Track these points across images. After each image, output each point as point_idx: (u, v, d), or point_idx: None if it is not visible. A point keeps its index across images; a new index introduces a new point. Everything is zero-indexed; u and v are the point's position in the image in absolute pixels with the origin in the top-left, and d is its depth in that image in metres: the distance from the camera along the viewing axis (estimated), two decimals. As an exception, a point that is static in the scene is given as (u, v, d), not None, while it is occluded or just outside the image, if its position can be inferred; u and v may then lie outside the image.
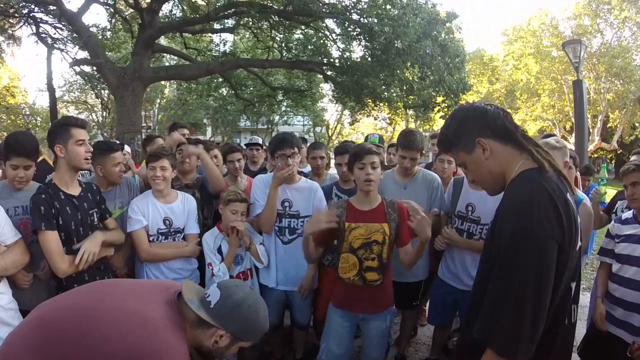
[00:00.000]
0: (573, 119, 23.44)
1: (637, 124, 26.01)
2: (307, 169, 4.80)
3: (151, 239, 3.27)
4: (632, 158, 3.81)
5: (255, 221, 3.50)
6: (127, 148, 4.90)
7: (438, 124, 25.40)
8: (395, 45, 11.56)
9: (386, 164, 5.15)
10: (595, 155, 29.47)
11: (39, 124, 30.08)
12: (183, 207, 3.41)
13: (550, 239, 1.45)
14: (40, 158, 4.29)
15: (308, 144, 5.05)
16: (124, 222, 3.28)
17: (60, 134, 2.69)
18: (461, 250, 3.39)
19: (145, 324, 1.65)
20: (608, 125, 26.74)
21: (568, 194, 1.61)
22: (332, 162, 4.44)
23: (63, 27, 13.66)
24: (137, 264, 3.39)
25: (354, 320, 2.99)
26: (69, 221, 2.69)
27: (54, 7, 12.07)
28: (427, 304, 4.25)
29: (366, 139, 5.24)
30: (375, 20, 11.53)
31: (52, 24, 13.67)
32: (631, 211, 3.04)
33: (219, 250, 3.35)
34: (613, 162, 35.50)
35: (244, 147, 5.19)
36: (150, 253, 3.23)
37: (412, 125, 26.82)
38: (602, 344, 2.92)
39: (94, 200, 2.91)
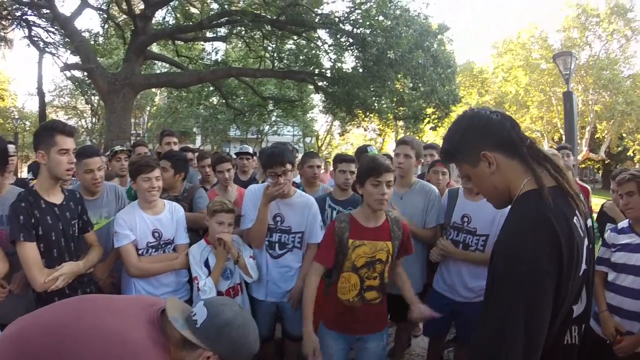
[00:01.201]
0: (561, 130, 23.78)
1: (624, 135, 26.31)
2: (297, 179, 4.73)
3: (140, 252, 3.10)
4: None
5: (245, 234, 3.40)
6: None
7: (428, 135, 25.61)
8: (388, 55, 11.60)
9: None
10: (583, 166, 29.76)
11: (28, 128, 29.72)
12: (171, 217, 3.26)
13: (545, 276, 1.33)
14: (31, 161, 4.17)
15: (300, 154, 4.96)
16: (110, 233, 3.13)
17: (45, 139, 2.55)
18: (457, 261, 3.32)
19: (124, 344, 1.54)
20: (596, 136, 26.99)
21: (575, 218, 1.44)
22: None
23: (55, 31, 13.66)
24: (123, 276, 3.24)
25: (349, 342, 2.89)
26: (50, 232, 2.55)
27: (47, 11, 12.05)
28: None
29: (365, 150, 4.81)
30: (368, 31, 11.58)
31: (45, 27, 13.66)
32: (627, 220, 3.03)
33: (206, 264, 3.19)
34: (600, 172, 35.94)
35: (234, 156, 5.12)
36: (139, 269, 3.05)
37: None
38: (598, 350, 2.84)
39: (76, 209, 2.79)
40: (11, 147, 4.69)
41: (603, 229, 3.61)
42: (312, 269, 2.84)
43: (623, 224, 3.06)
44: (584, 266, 1.46)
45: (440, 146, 1.83)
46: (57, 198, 2.68)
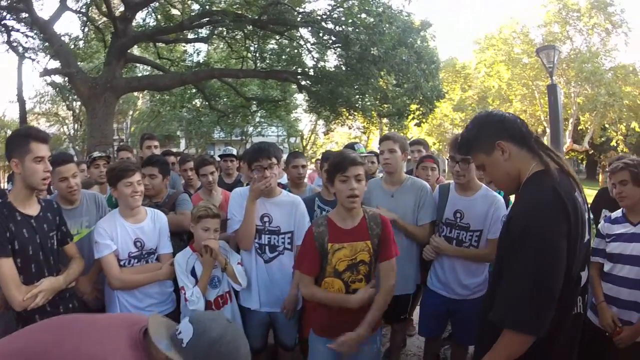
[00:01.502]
0: (545, 123, 23.99)
1: (607, 126, 26.57)
2: (284, 179, 4.63)
3: (122, 263, 2.95)
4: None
5: (233, 238, 3.28)
6: None
7: (412, 131, 25.66)
8: (372, 52, 11.54)
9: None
10: (567, 157, 30.03)
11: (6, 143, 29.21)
12: (154, 225, 3.10)
13: (558, 232, 1.65)
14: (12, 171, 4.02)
15: (285, 154, 4.83)
16: (91, 243, 2.96)
17: (18, 146, 2.40)
18: (451, 258, 3.24)
19: None
20: (579, 128, 27.24)
21: (576, 192, 1.78)
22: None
23: (35, 36, 13.33)
24: (106, 289, 3.07)
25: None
26: (27, 245, 2.40)
27: (26, 15, 11.77)
28: (415, 314, 4.13)
29: (352, 148, 4.54)
30: (351, 29, 11.50)
31: (24, 32, 13.35)
32: (620, 210, 3.01)
33: (193, 272, 3.05)
34: (584, 162, 36.33)
35: (218, 158, 4.99)
36: (122, 280, 2.89)
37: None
38: (596, 341, 2.86)
39: (54, 220, 2.64)
40: None
41: (598, 218, 3.57)
42: (304, 281, 2.67)
43: (617, 213, 3.04)
44: (587, 236, 1.80)
45: (459, 139, 2.14)
46: (33, 209, 2.54)
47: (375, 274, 2.67)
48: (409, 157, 3.90)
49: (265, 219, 3.17)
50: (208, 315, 1.74)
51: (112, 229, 2.94)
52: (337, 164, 2.54)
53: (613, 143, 25.93)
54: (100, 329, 1.60)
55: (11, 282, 2.29)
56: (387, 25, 11.40)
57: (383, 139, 3.65)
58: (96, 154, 4.47)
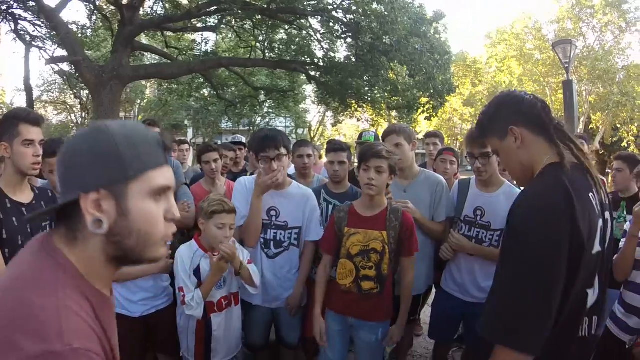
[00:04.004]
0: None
1: (619, 125, 26.27)
2: (291, 169, 4.46)
3: None
4: (615, 164, 3.71)
5: (238, 233, 3.02)
6: None
7: (422, 125, 25.44)
8: (384, 41, 11.35)
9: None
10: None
11: (17, 125, 29.30)
12: None
13: (560, 235, 1.42)
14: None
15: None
16: None
17: (7, 129, 2.24)
18: (469, 259, 3.02)
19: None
20: (590, 127, 26.90)
21: (592, 192, 1.57)
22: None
23: (42, 24, 13.30)
24: None
25: (345, 325, 2.81)
26: (16, 234, 2.22)
27: (33, 3, 11.73)
28: (423, 313, 3.97)
29: (360, 136, 4.71)
30: (363, 17, 11.30)
31: (31, 21, 13.32)
32: None
33: (197, 272, 2.74)
34: (594, 162, 35.88)
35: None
36: None
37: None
38: (615, 354, 2.73)
39: None
40: None
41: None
42: (323, 260, 2.88)
43: None
44: (597, 247, 1.53)
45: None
46: (25, 197, 2.37)
47: (390, 266, 2.71)
48: (422, 150, 3.71)
49: (272, 212, 2.97)
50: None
51: None
52: (362, 154, 2.69)
53: (624, 144, 25.61)
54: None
55: None
56: (399, 14, 11.20)
57: (386, 134, 3.37)
58: None
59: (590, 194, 1.55)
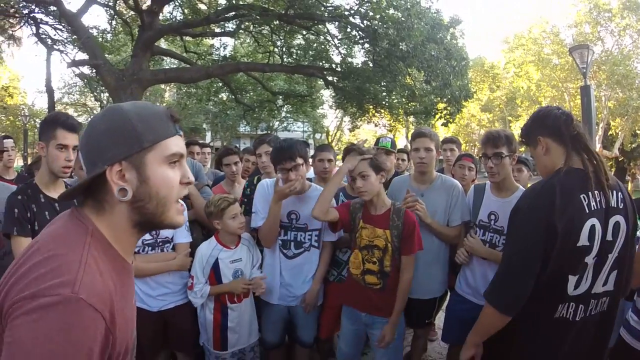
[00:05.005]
0: (576, 127, 23.36)
1: (638, 132, 25.87)
2: (311, 174, 4.52)
3: (136, 250, 2.87)
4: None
5: (257, 233, 3.19)
6: None
7: (439, 131, 25.33)
8: (400, 47, 11.39)
9: (395, 169, 4.90)
10: (596, 163, 29.32)
11: (38, 126, 29.69)
12: None
13: (538, 227, 1.83)
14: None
15: (311, 151, 4.72)
16: None
17: (46, 130, 2.41)
18: (483, 262, 3.04)
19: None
20: (609, 133, 26.53)
21: (583, 195, 1.85)
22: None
23: (63, 28, 13.58)
24: None
25: (358, 319, 2.97)
26: None
27: (54, 8, 11.96)
28: (437, 319, 3.99)
29: (377, 142, 4.74)
30: (379, 23, 11.36)
31: (52, 25, 13.61)
32: None
33: (216, 266, 3.00)
34: (613, 169, 35.41)
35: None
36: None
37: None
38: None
39: None
40: (8, 142, 4.53)
41: None
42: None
43: None
44: (585, 242, 1.83)
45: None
46: (58, 193, 2.49)
47: (393, 264, 2.85)
48: (440, 156, 3.76)
49: (292, 216, 3.09)
50: None
51: None
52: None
53: (644, 151, 25.23)
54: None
55: None
56: (416, 20, 11.23)
57: (418, 135, 3.38)
58: None
59: (583, 195, 1.85)
